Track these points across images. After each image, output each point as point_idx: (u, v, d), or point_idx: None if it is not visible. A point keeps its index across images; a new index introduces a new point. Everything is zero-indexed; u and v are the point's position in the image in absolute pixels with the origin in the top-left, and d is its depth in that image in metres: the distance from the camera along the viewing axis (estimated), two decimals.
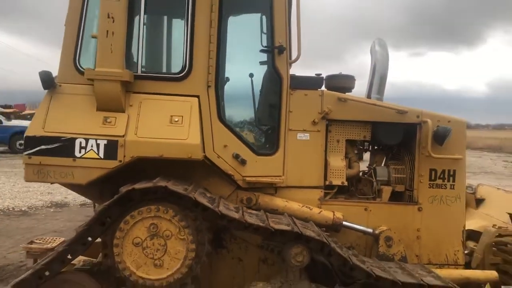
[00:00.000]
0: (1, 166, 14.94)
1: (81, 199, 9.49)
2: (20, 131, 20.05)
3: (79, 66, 3.15)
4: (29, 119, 25.64)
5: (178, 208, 2.85)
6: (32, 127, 2.98)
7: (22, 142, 15.71)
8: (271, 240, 3.17)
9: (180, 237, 2.84)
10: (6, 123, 19.75)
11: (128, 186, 2.83)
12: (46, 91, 3.13)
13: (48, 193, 10.03)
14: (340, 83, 3.79)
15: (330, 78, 3.79)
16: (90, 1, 3.19)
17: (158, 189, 2.80)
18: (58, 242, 3.83)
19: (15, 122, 20.63)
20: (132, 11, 3.10)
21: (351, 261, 2.89)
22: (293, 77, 3.52)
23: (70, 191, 10.72)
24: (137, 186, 2.78)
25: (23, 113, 29.17)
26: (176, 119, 3.07)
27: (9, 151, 20.02)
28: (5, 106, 26.72)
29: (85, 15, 3.17)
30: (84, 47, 3.19)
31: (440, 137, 3.52)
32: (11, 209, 8.30)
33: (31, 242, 3.82)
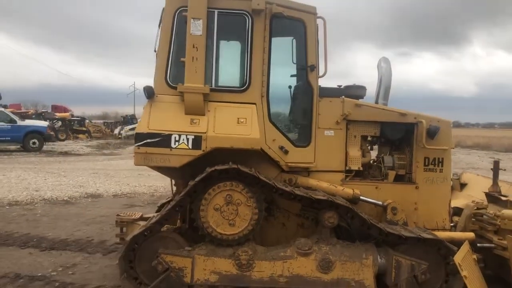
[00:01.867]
0: (22, 163, 15.67)
1: (112, 190, 10.49)
2: (33, 131, 20.93)
3: (169, 82, 4.21)
4: (35, 118, 26.44)
5: (245, 184, 3.96)
6: (140, 126, 4.03)
7: (35, 140, 16.88)
8: (309, 209, 4.31)
9: (247, 204, 3.92)
10: (20, 123, 20.52)
11: (209, 168, 3.93)
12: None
13: (80, 185, 10.93)
14: (355, 92, 4.83)
15: (347, 88, 4.85)
16: (175, 37, 4.24)
17: (232, 170, 3.91)
18: (139, 215, 4.92)
19: (28, 122, 21.38)
20: (208, 41, 4.19)
21: (369, 221, 4.02)
22: (321, 88, 4.52)
23: (99, 184, 11.74)
24: (218, 167, 3.88)
25: (29, 113, 29.87)
26: (242, 120, 4.10)
27: (22, 149, 20.80)
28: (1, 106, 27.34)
29: (173, 46, 4.23)
30: (172, 68, 4.26)
31: (431, 133, 4.53)
32: (54, 198, 9.24)
33: (118, 215, 4.91)
